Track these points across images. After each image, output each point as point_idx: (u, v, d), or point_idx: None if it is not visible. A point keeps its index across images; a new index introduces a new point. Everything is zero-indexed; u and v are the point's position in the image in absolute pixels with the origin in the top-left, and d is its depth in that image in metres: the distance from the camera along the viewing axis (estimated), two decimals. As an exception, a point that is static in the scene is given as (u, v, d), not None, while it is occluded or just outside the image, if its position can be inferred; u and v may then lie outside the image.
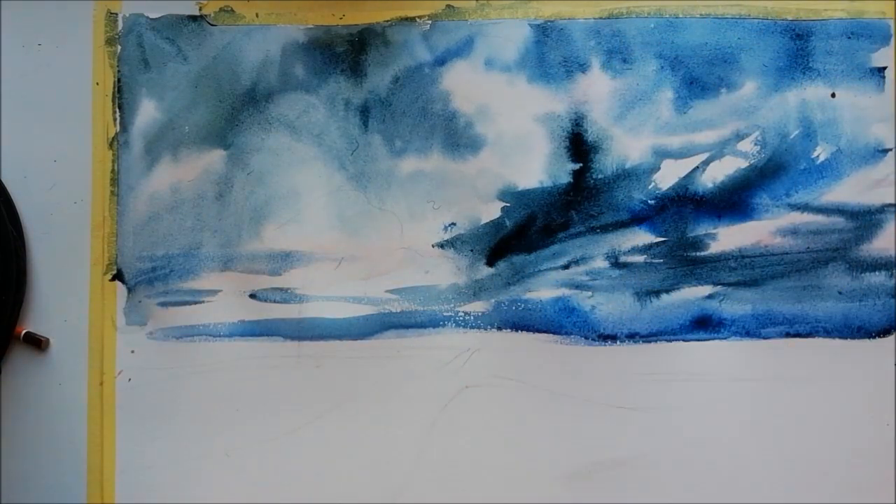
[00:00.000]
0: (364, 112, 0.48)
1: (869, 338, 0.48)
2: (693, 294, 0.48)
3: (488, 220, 0.48)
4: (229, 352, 0.48)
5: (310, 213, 0.48)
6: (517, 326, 0.48)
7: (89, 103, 0.48)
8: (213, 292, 0.48)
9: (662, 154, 0.48)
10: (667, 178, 0.48)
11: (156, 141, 0.48)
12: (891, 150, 0.48)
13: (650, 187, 0.48)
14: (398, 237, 0.48)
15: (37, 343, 0.47)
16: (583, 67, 0.49)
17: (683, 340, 0.48)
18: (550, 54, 0.49)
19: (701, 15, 0.49)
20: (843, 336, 0.48)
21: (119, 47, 0.49)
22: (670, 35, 0.49)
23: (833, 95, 0.49)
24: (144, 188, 0.48)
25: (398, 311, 0.48)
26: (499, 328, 0.48)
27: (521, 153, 0.48)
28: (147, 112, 0.48)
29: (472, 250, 0.48)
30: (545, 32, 0.49)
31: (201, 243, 0.48)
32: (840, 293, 0.48)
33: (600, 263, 0.48)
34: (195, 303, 0.48)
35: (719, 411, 0.47)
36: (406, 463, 0.47)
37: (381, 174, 0.48)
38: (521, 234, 0.48)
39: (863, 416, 0.48)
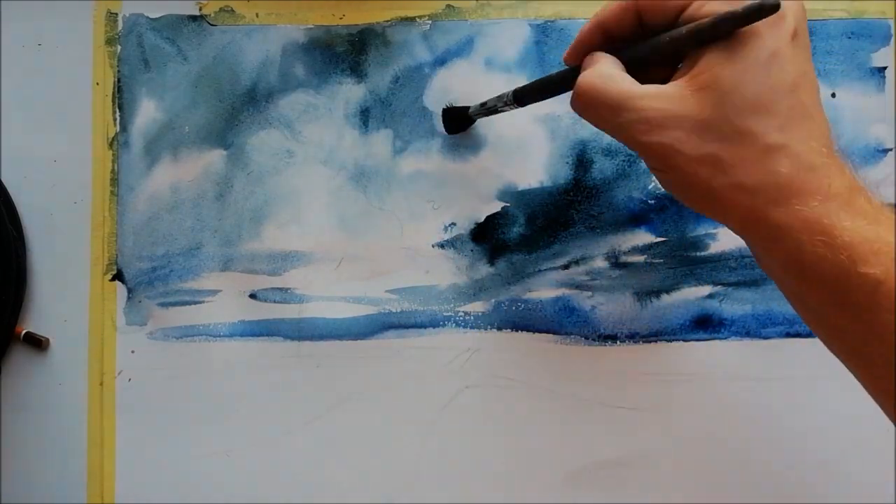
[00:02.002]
0: (364, 112, 0.48)
1: (869, 338, 0.48)
2: (693, 294, 0.48)
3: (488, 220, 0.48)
4: (229, 352, 0.48)
5: (310, 213, 0.48)
6: (517, 326, 0.48)
7: (89, 103, 0.48)
8: (213, 292, 0.48)
9: (662, 154, 0.48)
10: (667, 178, 0.48)
11: (156, 141, 0.48)
12: (891, 150, 0.48)
13: (650, 187, 0.48)
14: (398, 237, 0.48)
15: (37, 343, 0.47)
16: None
17: (683, 340, 0.48)
18: (550, 54, 0.49)
19: (701, 15, 0.49)
20: (843, 336, 0.48)
21: (119, 47, 0.49)
22: (670, 35, 0.49)
23: (833, 95, 0.49)
24: (144, 188, 0.48)
25: (398, 311, 0.48)
26: (499, 328, 0.48)
27: (521, 153, 0.48)
28: (147, 112, 0.48)
29: (472, 250, 0.48)
30: (545, 32, 0.49)
31: (201, 243, 0.48)
32: (840, 293, 0.48)
33: (600, 263, 0.48)
34: (195, 303, 0.48)
35: (719, 411, 0.47)
36: (406, 463, 0.47)
37: (381, 174, 0.48)
38: (522, 233, 0.48)
39: (863, 416, 0.47)
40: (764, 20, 0.30)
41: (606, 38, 0.35)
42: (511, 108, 0.43)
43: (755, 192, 0.31)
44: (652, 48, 0.33)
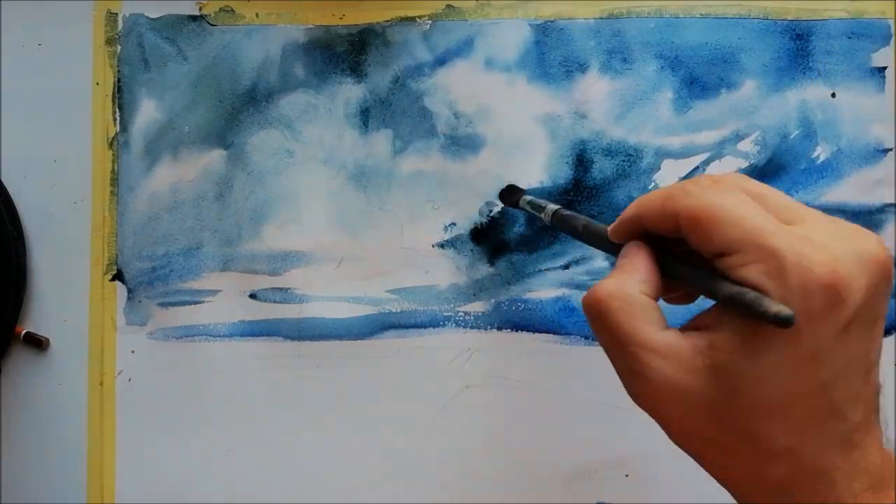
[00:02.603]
0: (364, 112, 0.48)
1: (869, 338, 0.48)
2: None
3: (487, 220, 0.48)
4: (229, 352, 0.48)
5: (310, 213, 0.48)
6: (517, 326, 0.48)
7: (89, 103, 0.48)
8: (213, 292, 0.48)
9: (662, 154, 0.48)
10: (667, 178, 0.48)
11: (156, 141, 0.48)
12: (891, 150, 0.48)
13: (650, 187, 0.48)
14: (398, 237, 0.48)
15: (37, 343, 0.47)
16: (583, 68, 0.49)
17: (683, 340, 0.48)
18: (550, 54, 0.49)
19: (701, 15, 0.49)
20: (843, 336, 0.48)
21: (119, 47, 0.49)
22: (670, 35, 0.49)
23: (833, 95, 0.49)
24: (144, 188, 0.48)
25: (398, 311, 0.48)
26: (499, 328, 0.48)
27: (521, 153, 0.48)
28: (147, 112, 0.48)
29: (472, 250, 0.48)
30: (545, 32, 0.49)
31: (201, 243, 0.48)
32: (840, 293, 0.48)
33: (600, 263, 0.48)
34: (195, 303, 0.48)
35: (719, 411, 0.47)
36: (406, 463, 0.47)
37: (381, 174, 0.48)
38: (522, 233, 0.48)
39: (863, 416, 0.47)
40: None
41: (646, 230, 0.29)
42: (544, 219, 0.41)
43: (748, 493, 0.27)
44: (682, 276, 0.29)
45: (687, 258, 0.29)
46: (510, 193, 0.47)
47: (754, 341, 0.25)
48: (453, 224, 0.48)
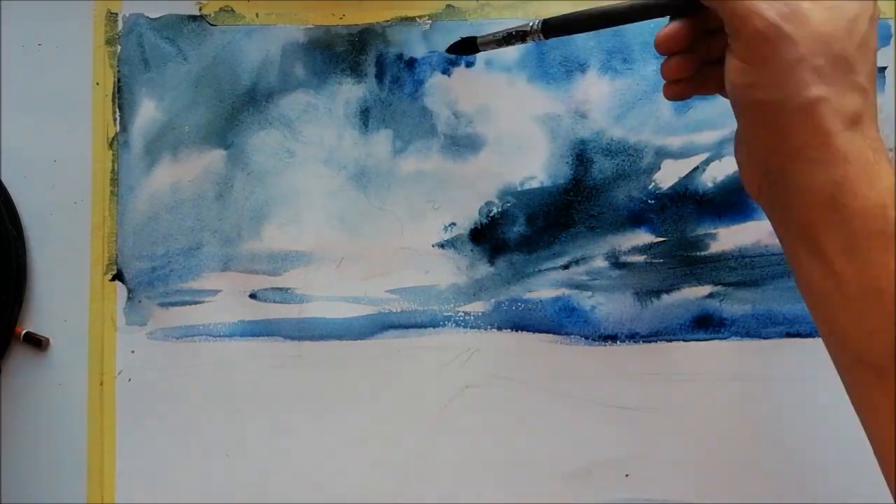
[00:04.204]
0: (364, 112, 0.48)
1: (869, 338, 0.48)
2: (693, 294, 0.48)
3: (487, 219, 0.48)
4: (229, 352, 0.48)
5: (310, 213, 0.48)
6: (517, 326, 0.48)
7: (89, 103, 0.48)
8: (213, 292, 0.48)
9: (662, 154, 0.48)
10: (667, 178, 0.48)
11: (156, 141, 0.48)
12: (891, 149, 0.48)
13: (650, 187, 0.48)
14: (398, 237, 0.48)
15: (37, 343, 0.47)
16: (583, 68, 0.49)
17: (683, 340, 0.48)
18: (550, 54, 0.49)
19: (701, 15, 0.49)
20: (843, 336, 0.48)
21: (119, 47, 0.49)
22: (670, 35, 0.49)
23: (833, 95, 0.49)
24: (144, 188, 0.48)
25: (398, 311, 0.48)
26: (499, 328, 0.48)
27: (521, 153, 0.48)
28: (147, 112, 0.48)
29: (472, 250, 0.48)
30: (545, 32, 0.49)
31: (201, 243, 0.48)
32: (840, 293, 0.48)
33: (600, 263, 0.48)
34: (195, 303, 0.48)
35: (719, 411, 0.47)
36: (406, 463, 0.47)
37: (381, 174, 0.48)
38: (522, 233, 0.48)
39: (863, 416, 0.47)
40: None
41: None
42: (532, 40, 0.43)
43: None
44: None
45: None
46: (464, 45, 0.46)
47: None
48: (453, 224, 0.48)
